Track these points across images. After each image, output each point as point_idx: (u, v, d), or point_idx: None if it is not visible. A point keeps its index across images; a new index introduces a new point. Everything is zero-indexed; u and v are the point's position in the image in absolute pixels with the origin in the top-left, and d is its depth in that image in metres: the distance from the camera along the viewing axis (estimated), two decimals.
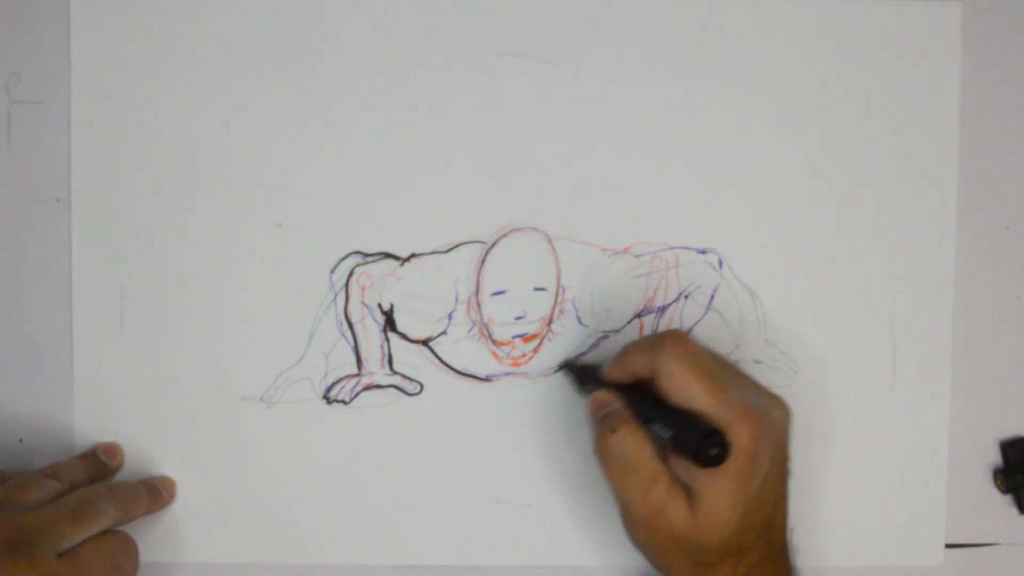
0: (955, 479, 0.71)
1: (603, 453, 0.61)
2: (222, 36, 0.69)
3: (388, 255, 0.70)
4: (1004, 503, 0.72)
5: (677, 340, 0.60)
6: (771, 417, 0.59)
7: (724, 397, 0.58)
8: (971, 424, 0.71)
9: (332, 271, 0.69)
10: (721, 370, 0.60)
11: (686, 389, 0.59)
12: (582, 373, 0.67)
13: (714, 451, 0.57)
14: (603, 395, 0.63)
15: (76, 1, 0.69)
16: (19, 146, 0.69)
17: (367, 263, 0.69)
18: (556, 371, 0.70)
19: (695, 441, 0.57)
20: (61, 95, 0.69)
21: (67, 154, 0.69)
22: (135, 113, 0.69)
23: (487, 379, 0.70)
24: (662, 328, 0.70)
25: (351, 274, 0.69)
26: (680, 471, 0.59)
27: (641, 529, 0.60)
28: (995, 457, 0.71)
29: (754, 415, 0.58)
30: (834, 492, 0.70)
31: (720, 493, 0.58)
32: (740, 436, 0.57)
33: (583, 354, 0.70)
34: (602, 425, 0.61)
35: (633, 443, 0.59)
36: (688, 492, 0.59)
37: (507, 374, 0.70)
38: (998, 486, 0.71)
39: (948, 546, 0.71)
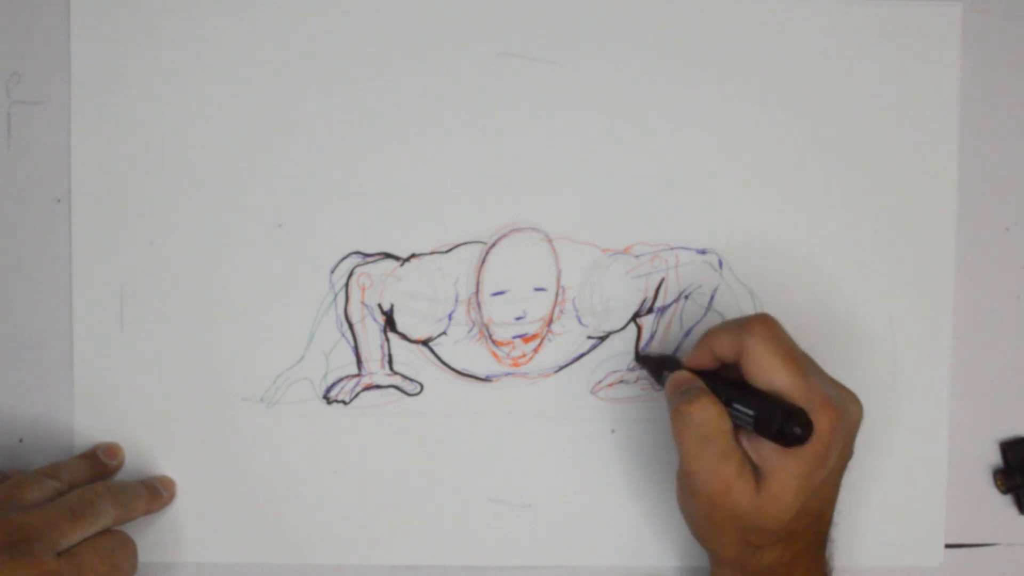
0: (955, 479, 0.71)
1: (680, 420, 0.61)
2: (222, 36, 0.69)
3: (388, 255, 0.70)
4: (1004, 503, 0.72)
5: (766, 322, 0.61)
6: (848, 411, 0.61)
7: (808, 383, 0.59)
8: (971, 424, 0.71)
9: (332, 271, 0.69)
10: (804, 358, 0.61)
11: (771, 371, 0.59)
12: (659, 363, 0.67)
13: (797, 431, 0.57)
14: (683, 375, 0.63)
15: (76, 1, 0.69)
16: (19, 146, 0.69)
17: (367, 263, 0.69)
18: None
19: (779, 419, 0.58)
20: (61, 95, 0.69)
21: (67, 154, 0.69)
22: (135, 113, 0.69)
23: (487, 379, 0.70)
24: (661, 329, 0.70)
25: (351, 274, 0.69)
26: (751, 452, 0.60)
27: (703, 501, 0.61)
28: (995, 457, 0.71)
29: (835, 405, 0.59)
30: None
31: (791, 476, 0.59)
32: (820, 423, 0.58)
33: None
34: (683, 396, 0.61)
35: (714, 415, 0.60)
36: (757, 473, 0.60)
37: (507, 374, 0.70)
38: (998, 486, 0.71)
39: (948, 546, 0.71)
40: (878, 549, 0.71)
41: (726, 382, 0.62)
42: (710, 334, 0.62)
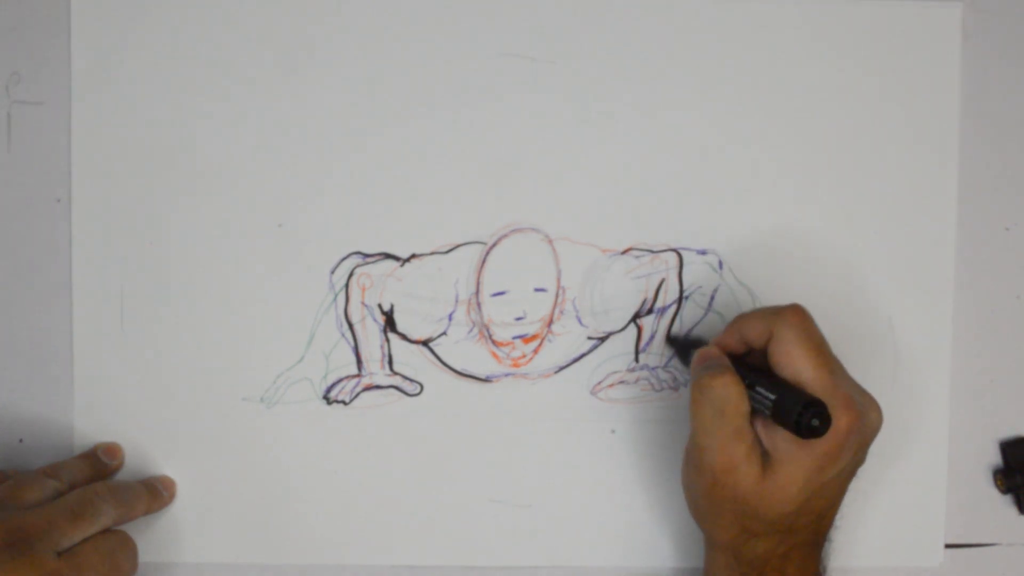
0: (955, 479, 0.71)
1: (700, 392, 0.61)
2: (222, 36, 0.69)
3: (388, 255, 0.70)
4: (1004, 503, 0.72)
5: (798, 312, 0.61)
6: (868, 416, 0.61)
7: (832, 380, 0.59)
8: (971, 424, 0.71)
9: (332, 271, 0.69)
10: (832, 356, 0.61)
11: (799, 361, 0.59)
12: (688, 345, 0.68)
13: (815, 422, 0.57)
14: (711, 350, 0.63)
15: (76, 1, 0.69)
16: (19, 146, 0.69)
17: (367, 263, 0.69)
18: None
19: (798, 408, 0.58)
20: (61, 95, 0.69)
21: (67, 154, 0.69)
22: (135, 113, 0.69)
23: (487, 380, 0.70)
24: (661, 330, 0.70)
25: (351, 274, 0.69)
26: (765, 438, 0.60)
27: (707, 477, 0.61)
28: (995, 457, 0.71)
29: (856, 407, 0.59)
30: None
31: (798, 468, 0.59)
32: (839, 421, 0.58)
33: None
34: (706, 369, 0.62)
35: (734, 393, 0.60)
36: (765, 459, 0.60)
37: (507, 375, 0.70)
38: (998, 486, 0.71)
39: (948, 546, 0.71)
40: (878, 549, 0.71)
41: (751, 367, 0.62)
42: (741, 317, 0.63)
